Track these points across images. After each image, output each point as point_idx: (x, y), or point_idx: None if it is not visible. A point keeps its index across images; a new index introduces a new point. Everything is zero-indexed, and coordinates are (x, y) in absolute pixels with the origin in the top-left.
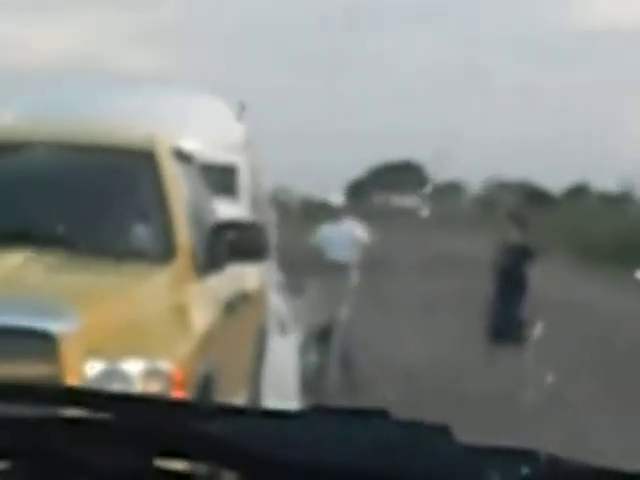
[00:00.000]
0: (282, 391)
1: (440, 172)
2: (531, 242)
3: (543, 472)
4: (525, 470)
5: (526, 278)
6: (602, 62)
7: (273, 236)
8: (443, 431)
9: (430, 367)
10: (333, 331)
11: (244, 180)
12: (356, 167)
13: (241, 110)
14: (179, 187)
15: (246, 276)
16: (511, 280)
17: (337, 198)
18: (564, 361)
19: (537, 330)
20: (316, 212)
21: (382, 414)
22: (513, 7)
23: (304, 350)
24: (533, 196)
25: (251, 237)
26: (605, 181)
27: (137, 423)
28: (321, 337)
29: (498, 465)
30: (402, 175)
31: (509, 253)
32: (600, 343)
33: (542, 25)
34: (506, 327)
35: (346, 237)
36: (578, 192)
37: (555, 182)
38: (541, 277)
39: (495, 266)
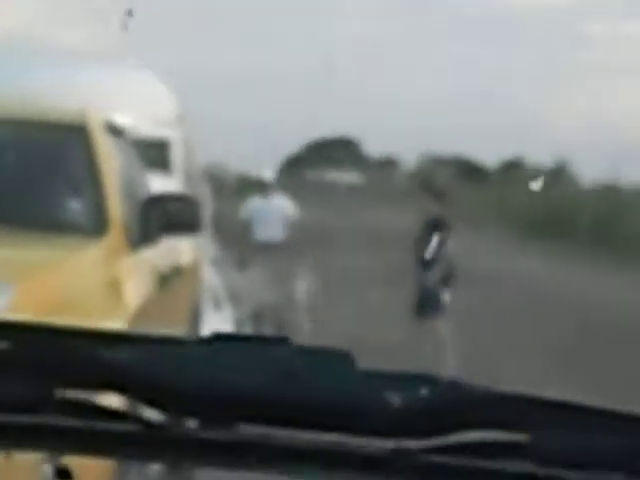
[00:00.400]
0: None
1: (375, 147)
2: (448, 214)
3: (443, 395)
4: (424, 392)
5: (443, 251)
6: (536, 37)
7: (207, 210)
8: (344, 357)
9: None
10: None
11: (177, 154)
12: (292, 143)
13: (128, 15)
14: (111, 161)
15: (180, 250)
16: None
17: (268, 173)
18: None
19: (447, 300)
20: (251, 188)
21: (283, 341)
22: None
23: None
24: (468, 171)
25: (184, 210)
26: (539, 156)
27: (37, 352)
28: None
29: (398, 388)
30: (338, 151)
31: (427, 227)
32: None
33: (476, 1)
34: (425, 299)
35: (275, 214)
36: (512, 166)
37: (490, 156)
38: (473, 250)
39: (415, 240)
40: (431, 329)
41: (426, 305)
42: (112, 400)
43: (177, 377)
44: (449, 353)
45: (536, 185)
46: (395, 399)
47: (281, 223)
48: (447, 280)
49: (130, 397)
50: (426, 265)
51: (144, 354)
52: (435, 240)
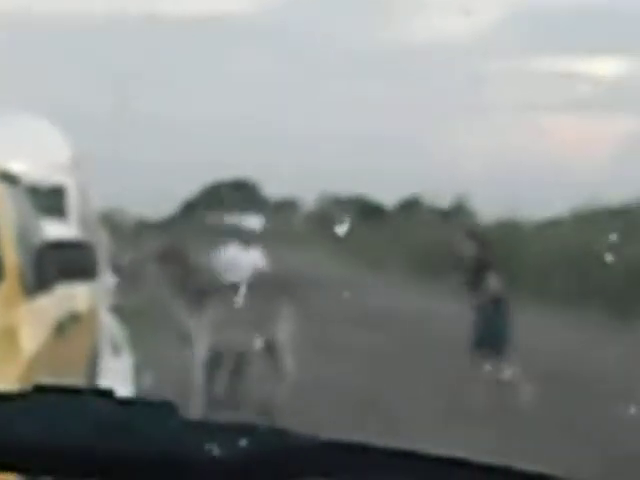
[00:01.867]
0: None
1: (273, 189)
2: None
3: (263, 444)
4: (244, 442)
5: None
6: (435, 76)
7: (104, 256)
8: (166, 407)
9: None
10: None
11: (72, 200)
12: (188, 185)
13: None
14: (5, 209)
15: (77, 296)
16: None
17: (254, 222)
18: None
19: None
20: (148, 230)
21: (105, 393)
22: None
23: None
24: (367, 211)
25: (80, 256)
26: (438, 195)
27: None
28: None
29: (218, 438)
30: (235, 194)
31: (474, 269)
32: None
33: (372, 40)
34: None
35: (248, 264)
36: (410, 205)
37: (388, 196)
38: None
39: (466, 282)
40: (494, 369)
41: (488, 343)
42: None
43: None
44: (522, 391)
45: (434, 223)
46: (216, 450)
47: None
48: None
49: None
50: (483, 302)
51: None
52: (488, 280)
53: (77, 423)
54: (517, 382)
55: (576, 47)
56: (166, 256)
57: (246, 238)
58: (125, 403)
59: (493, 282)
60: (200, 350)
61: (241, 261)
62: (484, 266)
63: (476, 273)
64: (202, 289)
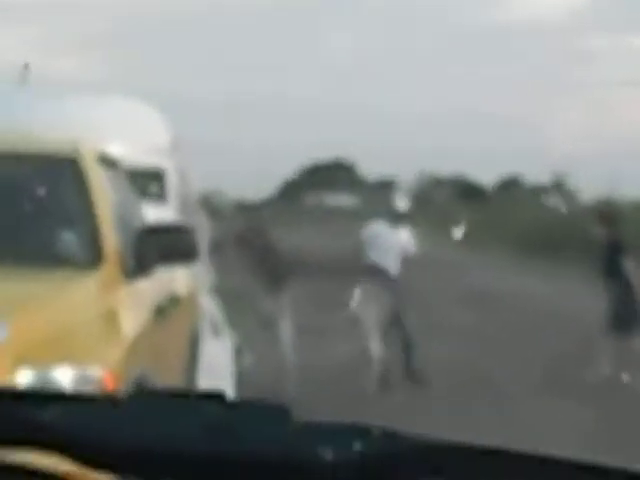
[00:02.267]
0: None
1: (372, 169)
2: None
3: (376, 447)
4: (357, 445)
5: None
6: (532, 54)
7: (204, 239)
8: (279, 411)
9: None
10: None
11: (172, 184)
12: (287, 167)
13: (25, 70)
14: (105, 193)
15: (176, 279)
16: None
17: (402, 202)
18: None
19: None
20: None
21: (217, 396)
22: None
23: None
24: (466, 191)
25: (179, 240)
26: (537, 173)
27: None
28: None
29: (332, 441)
30: (334, 174)
31: (609, 250)
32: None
33: (468, 19)
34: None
35: (391, 243)
36: (510, 185)
37: (488, 175)
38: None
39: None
40: (630, 347)
41: (626, 321)
42: (40, 459)
43: (104, 434)
44: None
45: (533, 202)
46: (329, 453)
47: (395, 254)
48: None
49: (60, 456)
50: (617, 286)
51: (74, 411)
52: (625, 262)
53: (187, 426)
54: None
55: None
56: (244, 238)
57: (393, 218)
58: (235, 406)
59: (628, 266)
60: (285, 330)
61: (386, 240)
62: (618, 250)
63: (610, 258)
64: (281, 269)
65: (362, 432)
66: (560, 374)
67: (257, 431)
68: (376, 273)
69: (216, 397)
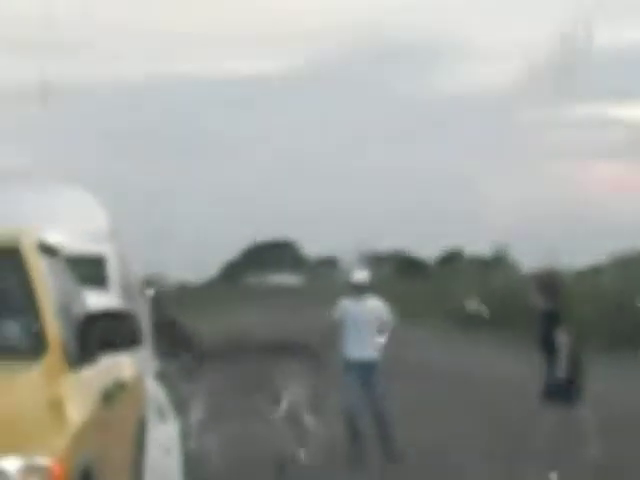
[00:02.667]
0: (164, 479)
1: (314, 248)
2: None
3: None
4: None
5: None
6: (471, 127)
7: (146, 323)
8: None
9: None
10: None
11: (113, 269)
12: (229, 247)
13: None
14: (46, 282)
15: (121, 365)
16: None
17: (361, 275)
18: None
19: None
20: (192, 296)
21: None
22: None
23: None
24: (407, 265)
25: (122, 326)
26: (478, 247)
27: None
28: None
29: None
30: (275, 253)
31: (544, 321)
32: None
33: (406, 91)
34: (555, 389)
35: (368, 315)
36: (451, 258)
37: (429, 250)
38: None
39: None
40: (571, 418)
41: (557, 394)
42: None
43: None
44: (592, 440)
45: (474, 274)
46: None
47: (375, 326)
48: (576, 369)
49: None
50: (552, 356)
51: None
52: (559, 334)
53: None
54: (587, 433)
55: (609, 93)
56: (159, 327)
57: (356, 292)
58: None
59: (564, 337)
60: (198, 415)
61: (355, 311)
62: (555, 319)
63: (547, 328)
64: (196, 356)
65: None
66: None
67: None
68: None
69: None
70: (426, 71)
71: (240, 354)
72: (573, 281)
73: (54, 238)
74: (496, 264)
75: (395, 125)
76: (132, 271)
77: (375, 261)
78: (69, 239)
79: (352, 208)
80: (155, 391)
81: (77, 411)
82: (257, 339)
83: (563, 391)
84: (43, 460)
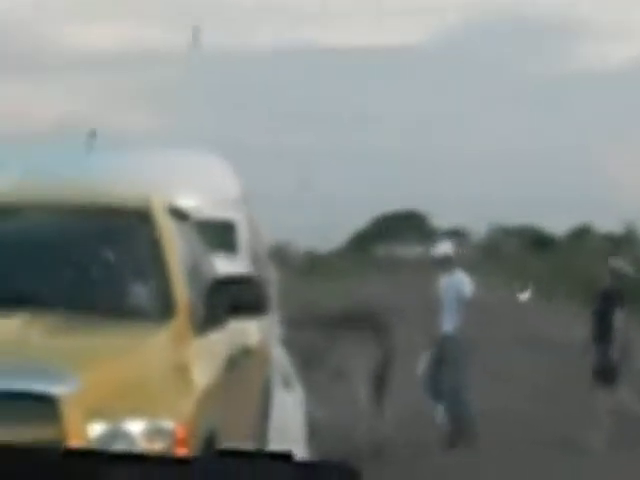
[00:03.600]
0: (289, 446)
1: (443, 220)
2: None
3: None
4: None
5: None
6: (595, 104)
7: (273, 290)
8: (346, 471)
9: None
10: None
11: (242, 235)
12: (359, 219)
13: (92, 137)
14: (176, 245)
15: (247, 331)
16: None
17: (446, 247)
18: None
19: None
20: (320, 267)
21: (285, 457)
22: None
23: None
24: (536, 240)
25: (250, 292)
26: (608, 222)
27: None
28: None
29: None
30: (405, 225)
31: (602, 300)
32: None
33: (536, 68)
34: (607, 370)
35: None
36: (581, 233)
37: (558, 224)
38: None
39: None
40: (613, 399)
41: (607, 375)
42: None
43: None
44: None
45: (605, 251)
46: None
47: (455, 301)
48: (626, 350)
49: None
50: (605, 337)
51: (142, 472)
52: (616, 313)
53: None
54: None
55: None
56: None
57: (439, 264)
58: (303, 466)
59: (619, 318)
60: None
61: (447, 291)
62: (614, 301)
63: (605, 306)
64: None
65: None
66: None
67: None
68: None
69: (284, 457)
70: (555, 49)
71: (306, 325)
72: None
73: (185, 203)
74: (626, 241)
75: (523, 104)
76: (262, 238)
77: (503, 235)
78: (200, 204)
79: (480, 183)
80: (281, 358)
81: (202, 375)
82: (323, 310)
83: (611, 373)
84: (167, 423)
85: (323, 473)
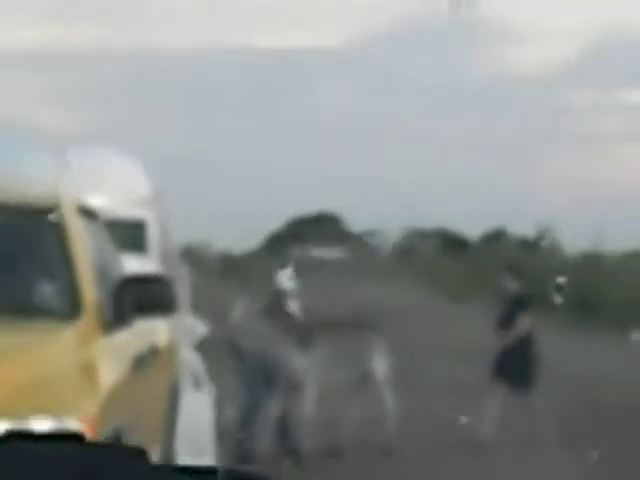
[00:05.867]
0: (196, 446)
1: (357, 222)
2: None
3: None
4: None
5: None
6: (518, 109)
7: (185, 290)
8: (135, 453)
9: None
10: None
11: (153, 235)
12: (273, 220)
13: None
14: (84, 244)
15: (156, 330)
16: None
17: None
18: None
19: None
20: (236, 268)
21: (75, 437)
22: (420, 59)
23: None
24: (450, 243)
25: (158, 291)
26: (523, 226)
27: None
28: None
29: None
30: (320, 227)
31: (508, 305)
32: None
33: (450, 74)
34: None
35: None
36: (495, 237)
37: (473, 228)
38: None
39: (497, 318)
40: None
41: (508, 374)
42: None
43: None
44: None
45: (519, 255)
46: None
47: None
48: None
49: None
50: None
51: None
52: (523, 318)
53: (45, 468)
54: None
55: None
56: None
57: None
58: (94, 447)
59: (525, 322)
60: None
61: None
62: (521, 303)
63: (511, 310)
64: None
65: (211, 472)
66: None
67: (114, 472)
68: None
69: (76, 438)
70: (478, 53)
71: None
72: (617, 264)
73: (95, 201)
74: (538, 246)
75: (444, 101)
76: (172, 238)
77: (419, 237)
78: (110, 203)
79: (396, 183)
80: (191, 358)
81: (109, 374)
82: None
83: (516, 373)
84: (73, 422)
85: (113, 453)
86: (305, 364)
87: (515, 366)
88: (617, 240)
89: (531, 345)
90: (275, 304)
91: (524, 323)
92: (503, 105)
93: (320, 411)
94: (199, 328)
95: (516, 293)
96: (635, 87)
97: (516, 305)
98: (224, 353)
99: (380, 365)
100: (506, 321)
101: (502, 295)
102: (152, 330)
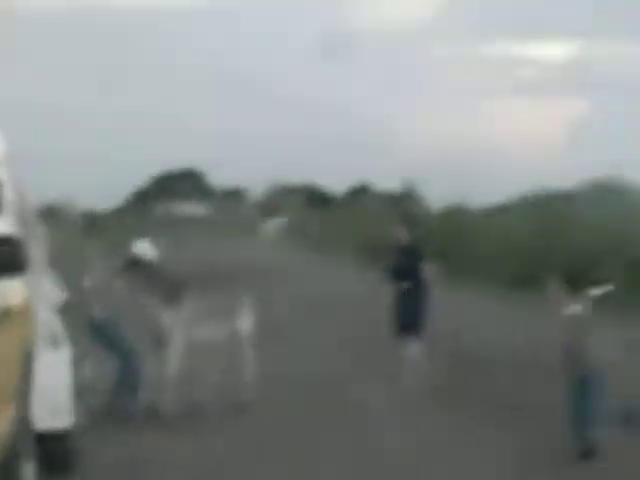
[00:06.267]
0: (53, 405)
1: (221, 179)
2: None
3: None
4: None
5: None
6: (381, 62)
7: (42, 251)
8: None
9: None
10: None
11: (6, 195)
12: (137, 176)
13: None
14: None
15: (9, 291)
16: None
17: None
18: None
19: None
20: (99, 226)
21: None
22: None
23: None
24: (316, 198)
25: (8, 252)
26: (388, 182)
27: None
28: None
29: None
30: (183, 184)
31: (399, 252)
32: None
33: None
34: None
35: None
36: (360, 193)
37: (337, 183)
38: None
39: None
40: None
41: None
42: None
43: None
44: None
45: (382, 209)
46: None
47: None
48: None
49: None
50: (412, 289)
51: None
52: (425, 269)
53: None
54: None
55: (524, 32)
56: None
57: None
58: None
59: (430, 272)
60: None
61: None
62: (417, 255)
63: (408, 261)
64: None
65: None
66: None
67: None
68: None
69: None
70: (347, 6)
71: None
72: (479, 219)
73: None
74: (403, 200)
75: (311, 57)
76: (28, 198)
77: (284, 193)
78: None
79: (261, 139)
80: (48, 318)
81: None
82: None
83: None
84: None
85: None
86: (170, 321)
87: (407, 314)
88: (483, 195)
89: (425, 295)
90: (135, 262)
91: (422, 272)
92: (363, 59)
93: (184, 368)
94: (56, 289)
95: (409, 244)
96: (496, 41)
97: (409, 256)
98: (82, 314)
99: (245, 322)
100: (400, 271)
101: (394, 246)
102: (4, 291)
